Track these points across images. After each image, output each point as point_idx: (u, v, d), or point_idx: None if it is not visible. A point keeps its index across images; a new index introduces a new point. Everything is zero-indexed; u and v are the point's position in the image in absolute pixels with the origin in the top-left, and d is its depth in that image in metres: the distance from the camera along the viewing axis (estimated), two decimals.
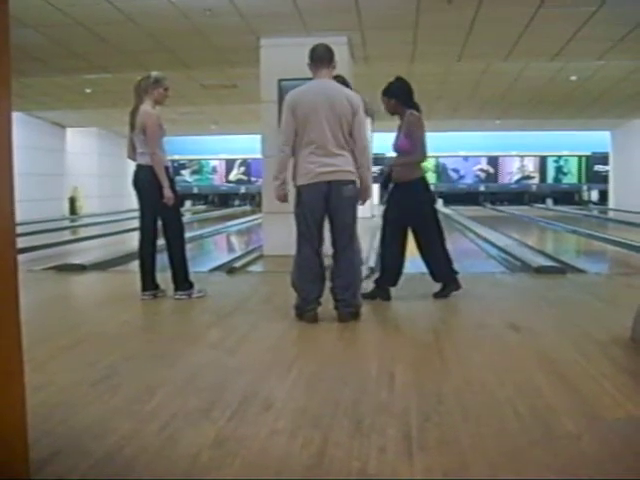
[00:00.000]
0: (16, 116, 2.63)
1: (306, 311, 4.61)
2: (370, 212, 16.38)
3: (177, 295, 5.63)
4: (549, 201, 26.30)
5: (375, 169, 23.12)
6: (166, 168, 5.57)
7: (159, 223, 5.70)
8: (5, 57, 2.01)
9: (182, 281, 5.65)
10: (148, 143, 5.45)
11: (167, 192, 5.45)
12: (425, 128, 5.52)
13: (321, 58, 4.68)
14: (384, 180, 5.71)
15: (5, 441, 2.01)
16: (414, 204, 5.47)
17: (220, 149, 26.72)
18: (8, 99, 2.03)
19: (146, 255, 5.68)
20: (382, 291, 5.51)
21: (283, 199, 4.75)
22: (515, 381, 3.23)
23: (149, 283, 5.67)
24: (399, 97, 5.52)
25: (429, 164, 26.51)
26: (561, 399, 2.94)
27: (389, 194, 5.70)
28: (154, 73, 5.65)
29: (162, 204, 5.48)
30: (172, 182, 5.61)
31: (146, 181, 5.53)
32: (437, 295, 5.51)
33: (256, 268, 8.10)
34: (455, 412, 2.79)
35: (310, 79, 4.79)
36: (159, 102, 5.65)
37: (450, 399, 2.96)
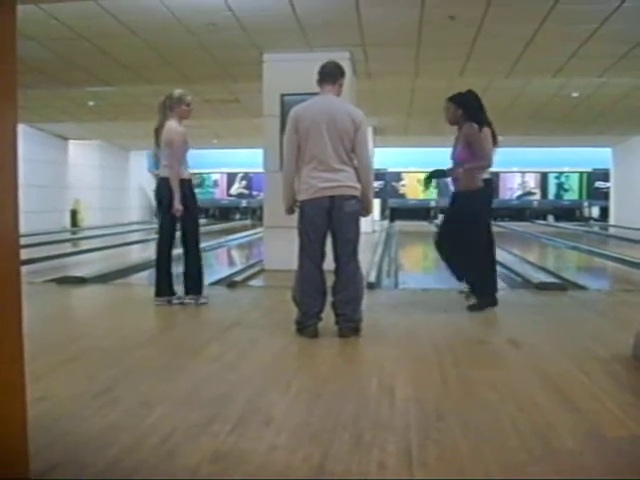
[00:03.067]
0: (19, 128, 2.64)
1: (306, 326, 4.60)
2: (371, 227, 16.40)
3: (202, 299, 6.01)
4: (550, 217, 26.32)
5: (376, 184, 23.19)
6: (189, 181, 5.92)
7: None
8: (11, 70, 2.02)
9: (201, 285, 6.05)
10: (172, 157, 5.72)
11: (176, 204, 5.70)
12: (489, 140, 5.62)
13: (328, 74, 4.72)
14: (434, 174, 5.93)
15: (6, 453, 2.01)
16: (470, 212, 5.54)
17: (222, 163, 26.76)
18: (14, 112, 2.04)
19: (163, 262, 5.94)
20: (488, 298, 5.65)
21: (292, 213, 4.81)
22: (515, 397, 3.22)
23: (165, 289, 5.94)
24: (468, 109, 5.58)
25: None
26: (562, 416, 2.93)
27: (450, 204, 5.82)
28: (176, 91, 5.91)
29: (185, 214, 5.79)
30: (193, 195, 5.96)
31: (167, 192, 5.77)
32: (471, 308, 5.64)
33: (257, 282, 8.09)
34: (455, 428, 2.78)
35: (313, 94, 4.82)
36: (183, 117, 5.92)
37: (450, 415, 2.95)
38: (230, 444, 2.60)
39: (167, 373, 3.70)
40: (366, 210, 4.76)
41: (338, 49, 8.11)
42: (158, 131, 5.87)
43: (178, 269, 6.11)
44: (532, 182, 27.02)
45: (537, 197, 27.01)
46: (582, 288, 7.32)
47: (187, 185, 5.87)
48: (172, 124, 5.80)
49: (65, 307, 6.57)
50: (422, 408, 3.06)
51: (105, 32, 8.02)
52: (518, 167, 26.30)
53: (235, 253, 15.02)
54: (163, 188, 5.82)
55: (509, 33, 7.98)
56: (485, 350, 4.35)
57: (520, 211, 26.60)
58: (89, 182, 22.29)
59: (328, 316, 4.69)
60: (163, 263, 5.94)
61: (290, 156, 4.65)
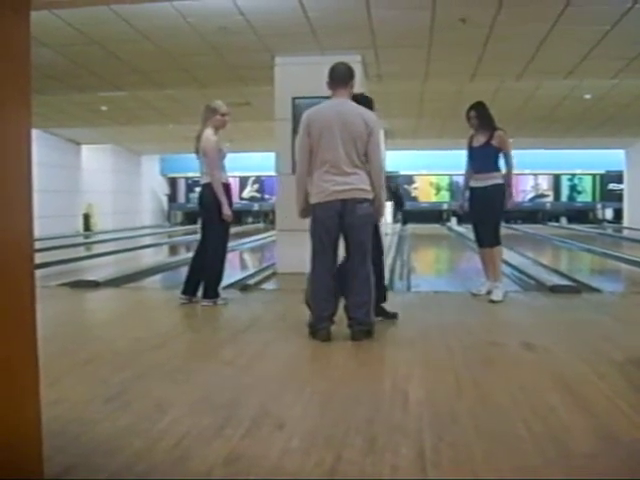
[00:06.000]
0: (33, 133, 2.66)
1: (319, 329, 4.59)
2: (383, 230, 16.36)
3: (204, 302, 6.07)
4: (563, 219, 26.19)
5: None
6: (227, 185, 6.11)
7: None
8: (25, 76, 2.03)
9: (211, 290, 6.09)
10: (209, 165, 5.98)
11: (225, 209, 5.94)
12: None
13: (340, 77, 4.71)
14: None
15: (21, 457, 2.02)
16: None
17: (234, 166, 26.69)
18: (28, 117, 2.06)
19: (197, 263, 6.21)
20: None
21: (305, 216, 4.81)
22: (529, 400, 3.21)
23: (189, 288, 6.20)
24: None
25: (443, 182, 26.52)
26: (576, 419, 2.92)
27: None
28: (214, 102, 6.17)
29: (215, 219, 5.97)
30: (230, 200, 6.10)
31: (206, 197, 6.04)
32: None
33: (269, 285, 8.09)
34: (469, 431, 2.77)
35: (324, 97, 4.82)
36: (219, 127, 6.17)
37: (464, 418, 2.94)
38: (242, 448, 2.60)
39: (180, 376, 3.70)
40: (378, 213, 4.75)
41: (350, 52, 8.10)
42: (198, 140, 6.12)
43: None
44: (545, 184, 26.88)
45: (550, 199, 26.87)
46: (596, 290, 7.27)
47: (224, 189, 6.08)
48: (207, 133, 6.04)
49: (78, 311, 6.59)
50: (435, 411, 3.05)
51: (118, 37, 8.06)
52: (531, 169, 26.15)
53: (248, 256, 15.02)
54: (205, 194, 6.07)
55: (520, 35, 7.96)
56: (498, 352, 4.33)
57: (533, 213, 26.45)
58: (102, 186, 22.37)
59: (341, 319, 4.69)
60: (195, 264, 6.23)
61: (302, 159, 4.65)
